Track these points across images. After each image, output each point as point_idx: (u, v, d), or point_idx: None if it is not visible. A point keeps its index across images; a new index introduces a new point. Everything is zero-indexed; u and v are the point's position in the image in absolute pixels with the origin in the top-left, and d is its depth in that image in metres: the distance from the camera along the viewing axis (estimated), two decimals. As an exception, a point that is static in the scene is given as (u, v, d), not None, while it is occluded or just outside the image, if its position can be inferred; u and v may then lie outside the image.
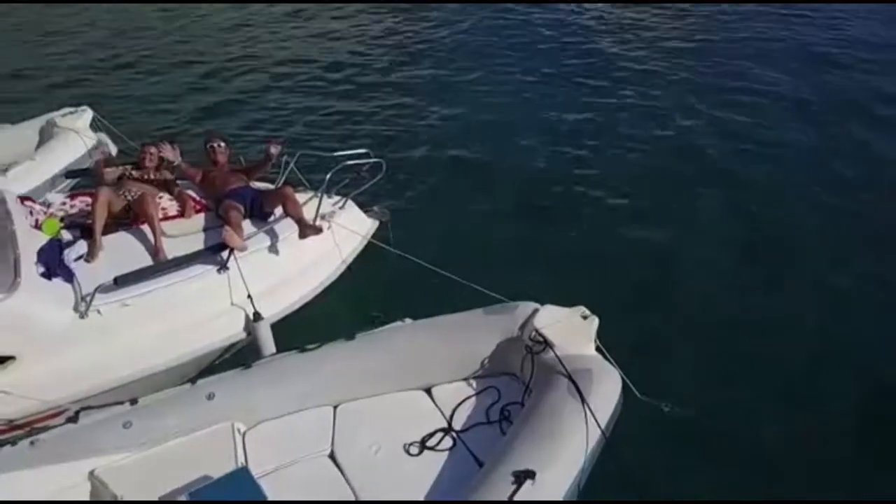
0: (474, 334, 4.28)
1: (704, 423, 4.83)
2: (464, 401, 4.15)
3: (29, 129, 7.26)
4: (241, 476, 3.39)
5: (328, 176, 5.33)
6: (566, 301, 4.33)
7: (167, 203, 5.43)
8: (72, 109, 7.41)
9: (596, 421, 3.60)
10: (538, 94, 10.85)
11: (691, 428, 4.73)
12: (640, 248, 6.92)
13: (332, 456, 3.85)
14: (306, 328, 5.22)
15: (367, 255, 5.76)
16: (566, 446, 3.51)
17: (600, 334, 4.13)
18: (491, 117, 10.01)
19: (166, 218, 5.25)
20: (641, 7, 15.32)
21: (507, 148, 9.06)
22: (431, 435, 3.93)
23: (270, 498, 3.27)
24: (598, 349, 4.09)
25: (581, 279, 6.20)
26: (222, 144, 5.82)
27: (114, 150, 7.35)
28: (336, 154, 5.71)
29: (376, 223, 5.94)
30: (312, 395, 4.05)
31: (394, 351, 4.21)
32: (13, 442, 3.60)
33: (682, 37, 13.26)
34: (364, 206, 5.95)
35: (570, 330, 4.09)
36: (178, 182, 5.69)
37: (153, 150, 5.63)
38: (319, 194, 5.38)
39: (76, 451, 3.59)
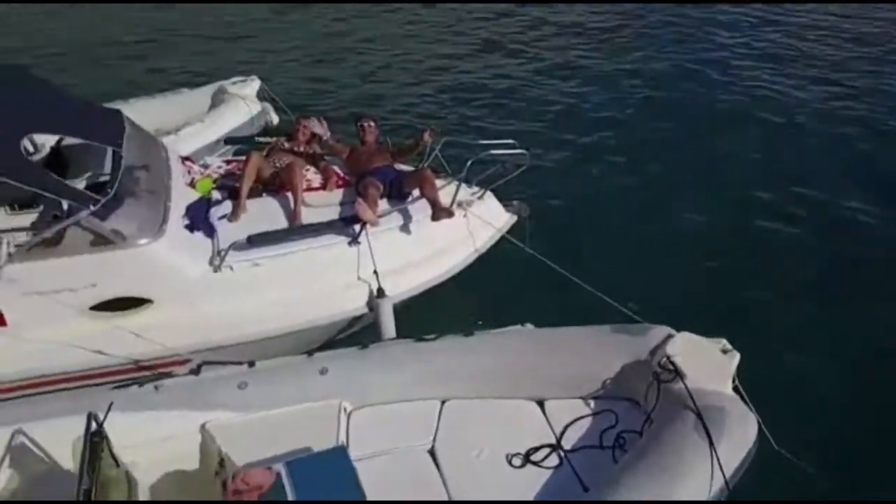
0: (598, 351, 4.00)
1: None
2: (577, 420, 3.88)
3: (202, 95, 7.77)
4: (338, 455, 3.34)
5: (469, 163, 5.20)
6: (705, 331, 3.93)
7: (312, 175, 5.55)
8: (242, 78, 7.84)
9: (721, 468, 3.21)
10: (703, 102, 10.12)
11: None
12: (797, 284, 6.23)
13: (431, 452, 3.73)
14: (426, 314, 5.16)
15: (499, 250, 5.58)
16: (684, 489, 3.16)
17: (740, 372, 3.70)
18: (651, 124, 9.43)
19: (309, 189, 5.35)
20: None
21: (665, 160, 8.45)
22: (537, 449, 3.70)
23: (363, 482, 3.17)
24: (735, 388, 3.65)
25: (726, 310, 5.66)
26: (372, 124, 5.86)
27: (275, 119, 7.70)
28: (481, 142, 5.60)
29: (513, 218, 5.74)
30: (423, 386, 3.95)
31: (511, 355, 4.02)
32: (140, 383, 3.79)
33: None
34: (503, 199, 5.76)
35: (706, 362, 3.68)
36: (326, 157, 5.79)
37: (307, 123, 5.77)
38: (458, 181, 5.26)
39: (193, 403, 3.71)
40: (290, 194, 5.14)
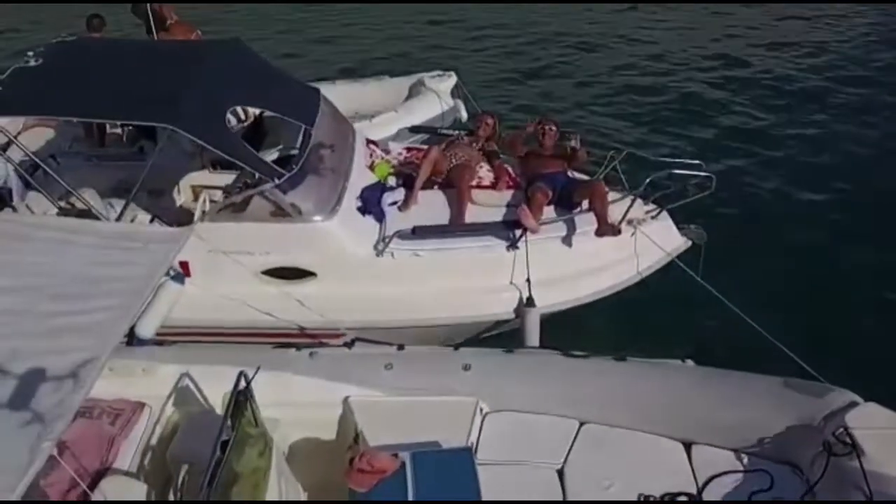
0: (764, 404, 3.60)
1: None
2: (724, 473, 3.51)
3: (401, 84, 8.10)
4: (464, 456, 3.34)
5: (648, 180, 4.91)
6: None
7: (484, 173, 5.55)
8: (440, 73, 8.06)
9: None
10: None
11: None
12: None
13: (560, 472, 3.58)
14: (574, 327, 4.97)
15: (668, 276, 5.22)
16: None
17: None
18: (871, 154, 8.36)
19: (479, 186, 5.36)
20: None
21: (880, 201, 7.43)
22: (675, 495, 3.40)
23: (484, 488, 3.13)
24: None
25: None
26: (553, 128, 5.72)
27: (464, 116, 7.82)
28: (664, 159, 5.28)
29: (688, 244, 5.34)
30: (564, 403, 3.80)
31: (664, 389, 3.75)
32: (298, 347, 4.06)
33: None
34: (680, 222, 5.38)
35: (892, 444, 3.14)
36: (501, 156, 5.77)
37: (490, 121, 5.78)
38: (633, 196, 5.00)
39: (341, 375, 3.87)
40: (459, 192, 5.17)
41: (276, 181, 4.25)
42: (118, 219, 4.70)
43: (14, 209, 4.69)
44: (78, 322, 2.77)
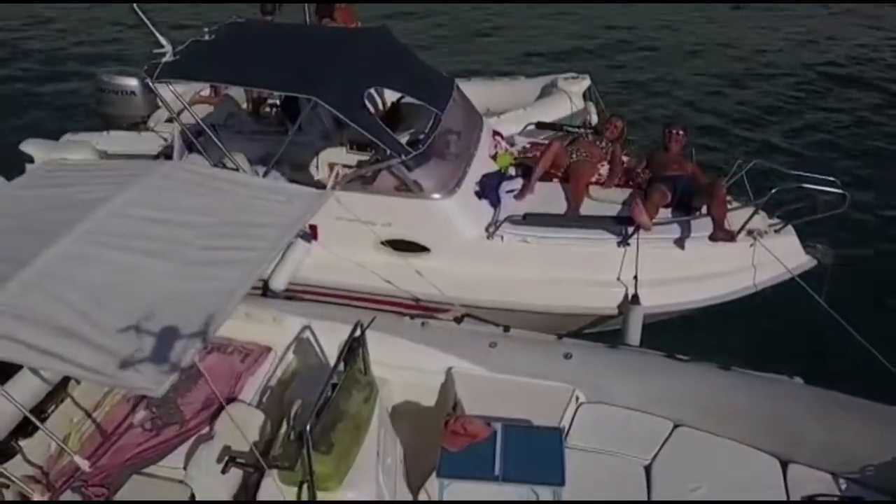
0: (870, 431, 3.49)
1: None
2: (820, 495, 3.41)
3: (534, 85, 8.19)
4: (554, 436, 3.44)
5: (773, 190, 4.78)
6: None
7: (605, 172, 5.59)
8: (574, 75, 8.07)
9: None
10: None
11: None
12: None
13: (647, 468, 3.62)
14: (679, 330, 4.92)
15: (786, 293, 5.03)
16: None
17: None
18: None
19: (598, 182, 5.42)
20: None
21: None
22: None
23: (569, 471, 3.22)
24: None
25: None
26: (681, 132, 5.66)
27: (594, 120, 7.80)
28: (795, 172, 5.09)
29: (812, 262, 5.13)
30: (661, 403, 3.82)
31: (769, 403, 3.69)
32: (412, 317, 4.33)
33: None
34: (807, 240, 5.17)
35: None
36: (626, 158, 5.78)
37: (619, 123, 5.82)
38: (756, 206, 4.89)
39: (448, 346, 4.08)
40: (576, 187, 5.27)
41: (403, 158, 4.56)
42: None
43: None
44: (228, 257, 3.22)
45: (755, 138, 9.09)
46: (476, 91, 7.96)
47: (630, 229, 4.72)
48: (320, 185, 5.50)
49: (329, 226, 4.81)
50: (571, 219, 4.84)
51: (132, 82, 6.73)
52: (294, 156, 5.87)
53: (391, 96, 6.11)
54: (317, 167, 6.15)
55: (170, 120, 6.16)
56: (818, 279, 4.97)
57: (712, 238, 4.72)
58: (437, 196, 4.72)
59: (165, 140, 6.43)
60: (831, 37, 12.86)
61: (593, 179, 5.41)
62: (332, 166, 6.09)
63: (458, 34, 13.16)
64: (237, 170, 4.94)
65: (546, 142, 6.08)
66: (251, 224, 3.46)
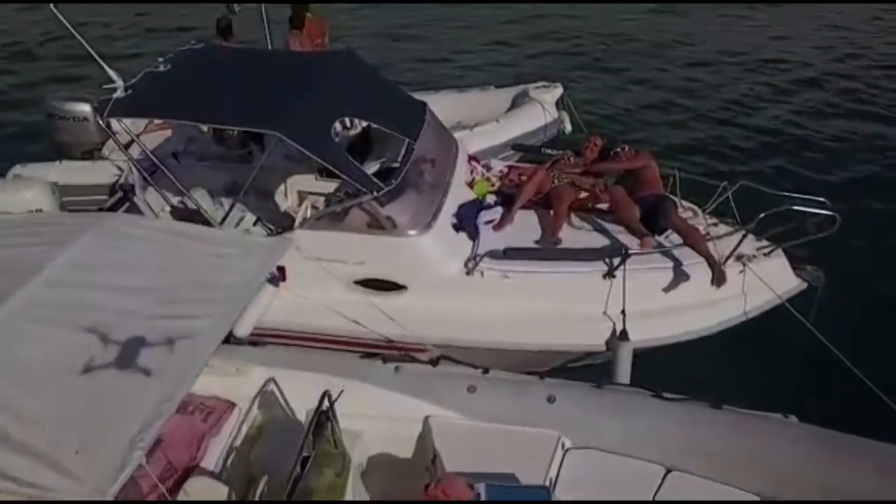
0: (869, 471, 3.33)
1: None
2: None
3: (505, 95, 7.99)
4: (541, 495, 3.23)
5: (762, 215, 4.61)
6: None
7: (584, 195, 5.38)
8: (546, 84, 7.90)
9: None
10: None
11: None
12: None
13: None
14: (667, 365, 4.73)
15: (776, 317, 4.87)
16: None
17: None
18: None
19: (580, 208, 5.20)
20: None
21: None
22: None
23: None
24: None
25: None
26: (626, 147, 5.47)
27: (568, 129, 7.65)
28: (783, 193, 4.94)
29: (803, 285, 4.99)
30: (651, 447, 3.63)
31: (762, 446, 3.52)
32: (385, 360, 4.10)
33: None
34: (795, 262, 5.01)
35: None
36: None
37: (598, 142, 5.60)
38: (745, 231, 4.73)
39: (424, 392, 3.86)
40: (557, 213, 5.06)
41: (375, 194, 4.29)
42: (225, 217, 4.94)
43: (134, 204, 5.00)
44: (182, 325, 2.93)
45: (738, 155, 8.90)
46: (445, 104, 7.80)
47: (616, 260, 4.49)
48: (288, 217, 5.32)
49: (297, 266, 4.53)
50: (554, 252, 4.60)
51: (84, 108, 6.35)
52: (261, 183, 5.58)
53: (360, 122, 5.84)
54: (285, 195, 5.89)
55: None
56: (808, 302, 4.81)
57: (714, 281, 4.53)
58: (412, 232, 4.46)
59: (121, 170, 6.09)
60: (818, 47, 12.77)
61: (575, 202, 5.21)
62: (300, 195, 5.87)
63: (425, 45, 12.86)
64: (196, 209, 4.62)
65: (524, 165, 5.88)
66: (205, 285, 3.17)
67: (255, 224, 4.94)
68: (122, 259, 3.28)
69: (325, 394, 3.07)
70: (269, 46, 7.22)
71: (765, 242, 4.98)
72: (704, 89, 10.96)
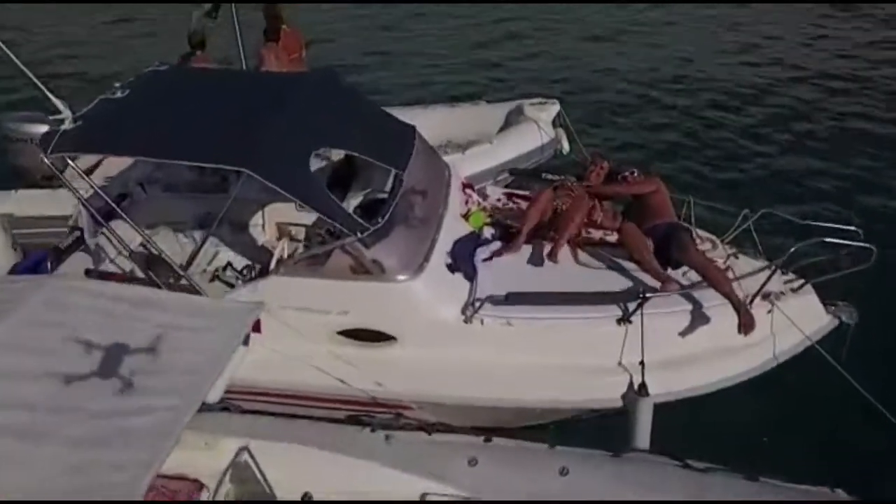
0: None
1: None
2: None
3: (498, 111, 7.52)
4: None
5: (792, 249, 4.14)
6: None
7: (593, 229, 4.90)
8: (542, 100, 7.44)
9: None
10: None
11: None
12: None
13: None
14: (689, 420, 4.25)
15: (804, 358, 4.38)
16: None
17: None
18: None
19: (588, 241, 4.72)
20: None
21: None
22: None
23: None
24: None
25: None
26: (635, 172, 4.98)
27: (566, 148, 7.18)
28: (812, 223, 4.49)
29: (834, 322, 4.52)
30: None
31: None
32: (373, 428, 3.68)
33: None
34: (825, 297, 4.54)
35: None
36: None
37: (605, 165, 5.11)
38: (775, 267, 4.26)
39: (419, 466, 3.46)
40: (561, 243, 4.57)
41: (360, 235, 3.77)
42: (193, 257, 4.43)
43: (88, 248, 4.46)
44: (129, 427, 2.48)
45: (757, 179, 8.17)
46: (434, 120, 7.34)
47: (633, 304, 3.98)
48: (266, 252, 4.79)
49: (274, 316, 4.00)
50: (562, 296, 4.07)
51: (43, 129, 5.80)
52: (235, 214, 5.10)
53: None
54: (262, 227, 5.37)
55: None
56: (839, 341, 4.35)
57: (742, 326, 4.03)
58: (402, 277, 3.93)
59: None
60: (846, 63, 11.72)
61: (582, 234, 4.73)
62: (280, 227, 5.36)
63: (412, 57, 12.22)
64: (158, 255, 4.08)
65: (523, 192, 5.38)
66: (160, 371, 2.67)
67: (225, 269, 4.40)
68: (58, 339, 2.76)
69: (305, 496, 2.58)
70: (241, 53, 6.76)
71: (792, 276, 4.51)
72: (716, 107, 10.16)
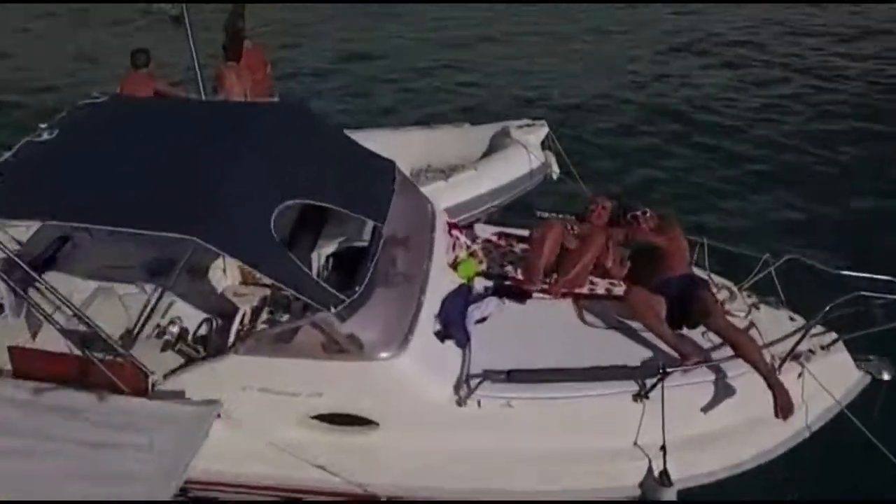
0: None
1: None
2: None
3: (482, 133, 6.98)
4: None
5: (827, 308, 3.65)
6: None
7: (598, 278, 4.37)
8: (529, 122, 6.90)
9: None
10: None
11: None
12: None
13: None
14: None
15: (836, 422, 3.91)
16: None
17: None
18: None
19: (592, 295, 4.20)
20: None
21: None
22: None
23: None
24: None
25: None
26: (647, 212, 4.44)
27: (556, 173, 6.65)
28: (843, 272, 4.01)
29: (867, 379, 4.07)
30: None
31: None
32: None
33: None
34: (855, 353, 4.07)
35: None
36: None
37: (607, 204, 4.58)
38: (807, 327, 3.77)
39: None
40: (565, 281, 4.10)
41: (333, 310, 3.17)
42: (141, 324, 3.81)
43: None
44: None
45: (775, 216, 7.33)
46: (412, 143, 6.81)
47: (652, 380, 3.45)
48: (228, 302, 4.17)
49: (236, 400, 3.41)
50: (570, 373, 3.51)
51: None
52: (195, 256, 4.46)
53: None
54: (224, 271, 4.74)
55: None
56: (871, 399, 3.94)
57: (782, 411, 3.51)
58: (384, 354, 3.34)
59: (21, 244, 4.84)
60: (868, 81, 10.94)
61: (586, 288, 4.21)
62: (244, 272, 4.74)
63: (391, 76, 11.41)
64: (93, 330, 3.43)
65: (517, 231, 4.82)
66: (107, 492, 2.12)
67: (177, 343, 3.75)
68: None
69: None
70: (198, 74, 6.12)
71: (819, 328, 4.04)
72: (725, 132, 9.28)
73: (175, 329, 4.02)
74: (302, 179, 3.68)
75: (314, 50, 12.46)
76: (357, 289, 3.29)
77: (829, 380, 3.86)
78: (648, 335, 3.79)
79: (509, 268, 4.46)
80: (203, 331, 4.12)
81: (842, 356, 4.00)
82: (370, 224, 3.89)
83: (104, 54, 11.97)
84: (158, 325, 4.15)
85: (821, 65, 11.74)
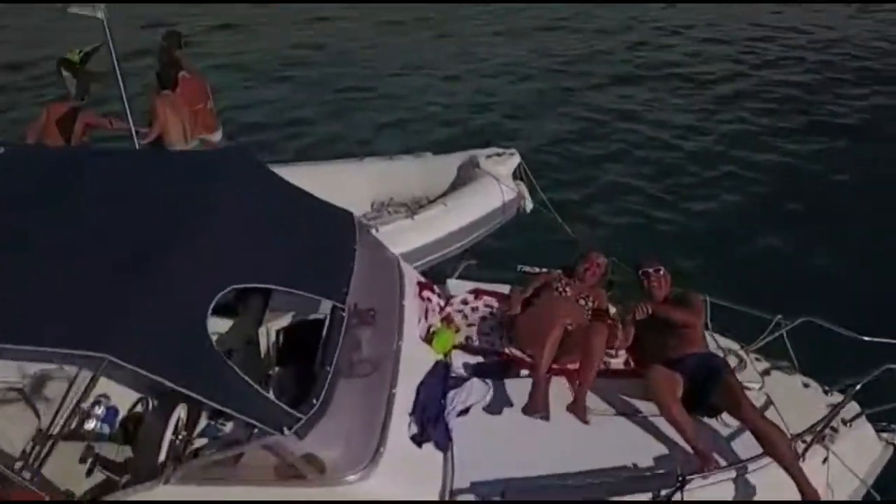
0: None
1: None
2: None
3: (447, 163, 6.40)
4: None
5: (857, 386, 3.24)
6: None
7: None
8: (499, 151, 6.35)
9: None
10: None
11: None
12: None
13: None
14: None
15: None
16: None
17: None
18: None
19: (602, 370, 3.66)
20: None
21: None
22: None
23: None
24: None
25: None
26: (661, 270, 3.88)
27: (529, 207, 6.13)
28: (868, 339, 3.60)
29: (888, 452, 3.70)
30: None
31: None
32: None
33: None
34: (877, 422, 3.68)
35: None
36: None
37: (601, 261, 4.07)
38: (837, 408, 3.35)
39: None
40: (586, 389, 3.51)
41: (287, 433, 2.55)
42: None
43: None
44: None
45: (784, 269, 6.48)
46: (371, 175, 6.27)
47: (666, 490, 2.93)
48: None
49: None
50: (577, 487, 2.96)
51: None
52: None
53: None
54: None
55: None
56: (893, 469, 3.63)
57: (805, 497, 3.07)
58: (351, 477, 2.73)
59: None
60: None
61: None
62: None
63: (345, 104, 10.41)
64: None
65: (495, 288, 4.27)
66: None
67: (95, 461, 3.07)
68: None
69: None
70: (125, 106, 5.40)
71: (839, 396, 3.62)
72: (704, 159, 8.62)
73: (100, 411, 3.34)
74: (244, 259, 3.04)
75: (261, 77, 11.54)
76: (314, 401, 2.67)
77: (855, 460, 3.46)
78: (660, 422, 3.30)
79: (491, 336, 3.91)
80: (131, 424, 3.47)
81: (865, 430, 3.60)
82: (326, 306, 3.29)
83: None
84: (80, 409, 3.42)
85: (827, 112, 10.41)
